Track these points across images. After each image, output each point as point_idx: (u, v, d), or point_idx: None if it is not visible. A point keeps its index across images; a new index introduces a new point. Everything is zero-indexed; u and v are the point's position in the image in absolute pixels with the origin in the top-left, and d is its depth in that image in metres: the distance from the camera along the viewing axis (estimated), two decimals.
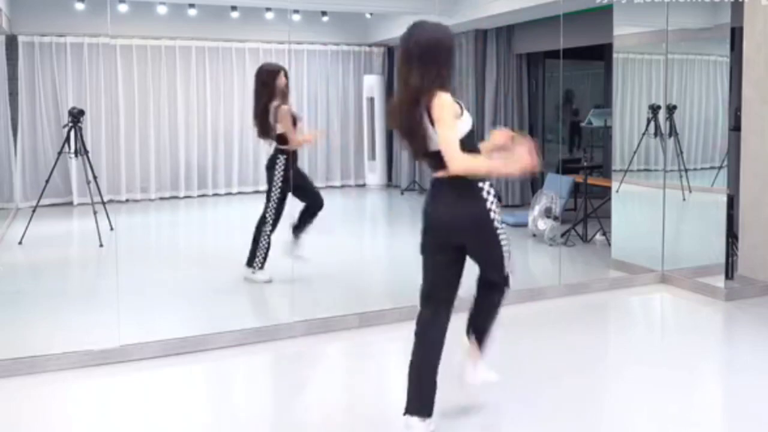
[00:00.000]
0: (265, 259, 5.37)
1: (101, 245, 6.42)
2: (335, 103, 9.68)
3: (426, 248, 3.08)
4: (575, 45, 5.74)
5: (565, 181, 7.36)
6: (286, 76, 5.52)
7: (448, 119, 2.84)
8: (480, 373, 3.30)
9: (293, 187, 5.38)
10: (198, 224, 8.87)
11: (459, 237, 3.01)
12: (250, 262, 5.43)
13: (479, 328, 3.28)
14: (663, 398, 3.49)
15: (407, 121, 2.92)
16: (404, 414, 3.05)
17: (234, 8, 8.81)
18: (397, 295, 5.41)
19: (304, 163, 9.12)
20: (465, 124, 2.92)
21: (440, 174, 2.95)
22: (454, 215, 2.97)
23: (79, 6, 7.91)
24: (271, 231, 5.40)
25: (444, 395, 3.56)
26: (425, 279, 3.11)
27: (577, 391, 3.56)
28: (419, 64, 2.87)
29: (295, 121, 5.49)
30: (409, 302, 4.83)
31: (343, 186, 9.67)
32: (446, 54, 2.94)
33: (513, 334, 4.51)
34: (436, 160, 2.92)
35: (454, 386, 3.66)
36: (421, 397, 3.06)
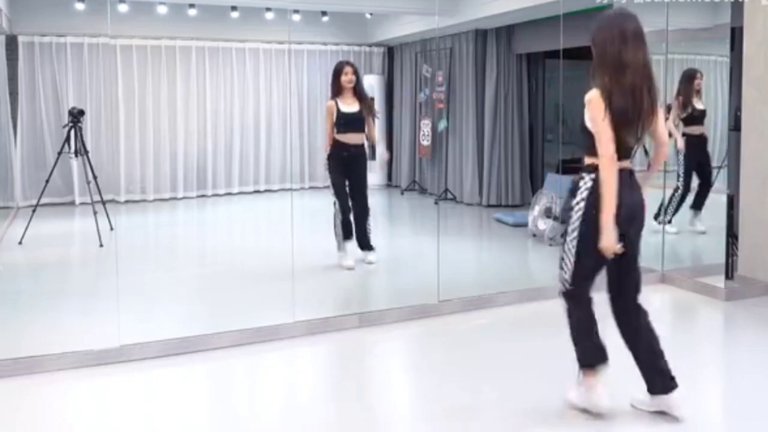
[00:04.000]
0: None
1: (101, 245, 6.42)
2: None
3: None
4: (575, 45, 5.72)
5: (565, 181, 7.34)
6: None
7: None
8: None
9: None
10: (198, 224, 8.88)
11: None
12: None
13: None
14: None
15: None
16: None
17: (234, 8, 8.81)
18: (397, 295, 5.41)
19: (304, 163, 9.18)
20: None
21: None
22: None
23: (79, 6, 7.92)
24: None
25: (444, 396, 3.56)
26: None
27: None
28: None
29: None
30: (409, 302, 4.85)
31: None
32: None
33: (513, 334, 4.51)
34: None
35: (453, 387, 3.66)
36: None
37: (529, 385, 3.66)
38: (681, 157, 6.04)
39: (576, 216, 3.10)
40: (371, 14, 9.42)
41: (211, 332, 4.23)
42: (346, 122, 5.78)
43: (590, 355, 3.26)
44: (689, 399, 3.59)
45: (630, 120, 3.02)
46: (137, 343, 4.03)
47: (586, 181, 3.08)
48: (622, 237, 3.06)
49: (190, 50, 9.37)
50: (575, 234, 3.11)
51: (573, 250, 3.14)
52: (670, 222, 5.94)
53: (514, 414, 3.35)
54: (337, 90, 5.84)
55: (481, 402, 3.46)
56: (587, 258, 3.12)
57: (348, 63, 5.90)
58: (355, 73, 5.83)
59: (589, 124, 3.07)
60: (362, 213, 5.94)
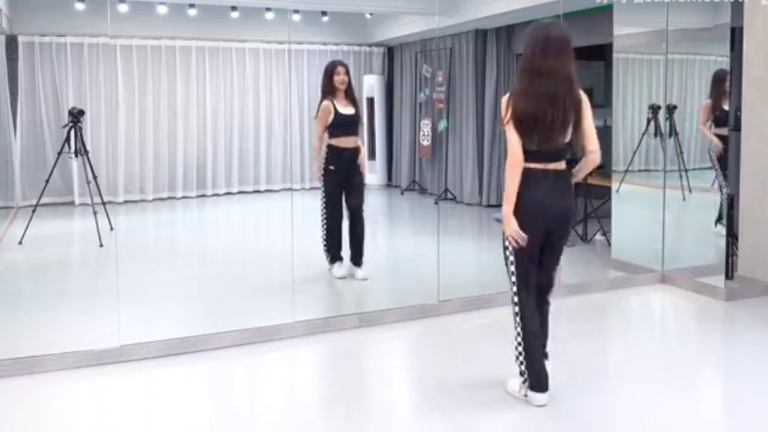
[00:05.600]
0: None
1: (101, 245, 6.42)
2: None
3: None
4: (575, 45, 5.72)
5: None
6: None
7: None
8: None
9: None
10: (198, 224, 8.88)
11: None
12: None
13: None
14: (663, 398, 3.49)
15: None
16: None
17: (234, 8, 8.81)
18: (397, 295, 5.41)
19: (304, 163, 9.18)
20: None
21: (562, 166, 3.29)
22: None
23: (79, 6, 7.91)
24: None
25: (444, 396, 3.56)
26: None
27: (576, 391, 3.56)
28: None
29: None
30: (409, 302, 4.85)
31: None
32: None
33: (513, 334, 4.50)
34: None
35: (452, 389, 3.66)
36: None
37: None
38: (715, 158, 5.98)
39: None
40: (371, 14, 9.42)
41: (211, 332, 4.23)
42: (343, 125, 5.47)
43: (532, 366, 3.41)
44: (689, 399, 3.59)
45: (543, 125, 3.18)
46: (137, 343, 4.03)
47: None
48: (545, 234, 3.32)
49: (190, 50, 9.37)
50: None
51: (507, 245, 3.35)
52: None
53: (515, 414, 3.35)
54: (328, 91, 5.50)
55: (481, 402, 3.46)
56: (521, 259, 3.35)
57: (340, 62, 5.59)
58: (347, 73, 5.53)
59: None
60: (357, 224, 5.60)
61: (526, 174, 3.24)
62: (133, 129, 8.99)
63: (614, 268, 5.91)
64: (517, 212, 3.23)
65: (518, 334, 3.40)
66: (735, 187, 5.53)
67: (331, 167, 5.50)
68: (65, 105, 8.24)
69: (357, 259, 5.62)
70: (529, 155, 3.23)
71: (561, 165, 3.31)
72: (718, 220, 5.90)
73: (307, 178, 9.05)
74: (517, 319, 3.39)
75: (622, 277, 5.74)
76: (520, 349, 3.39)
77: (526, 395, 3.39)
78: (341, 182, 5.55)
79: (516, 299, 3.38)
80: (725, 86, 5.84)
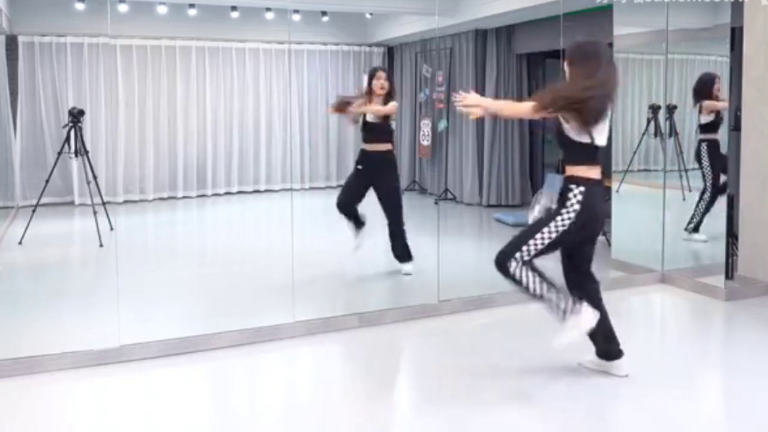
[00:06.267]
0: None
1: (101, 245, 6.42)
2: None
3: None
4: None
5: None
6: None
7: None
8: None
9: None
10: (198, 224, 8.88)
11: None
12: None
13: None
14: (662, 398, 3.49)
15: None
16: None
17: (234, 8, 8.81)
18: (397, 295, 5.41)
19: (304, 163, 9.18)
20: None
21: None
22: None
23: (79, 6, 7.91)
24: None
25: (444, 396, 3.56)
26: None
27: (576, 391, 3.56)
28: None
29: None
30: (409, 302, 4.85)
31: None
32: None
33: (513, 334, 4.51)
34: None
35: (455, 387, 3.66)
36: None
37: (530, 385, 3.66)
38: (706, 156, 6.02)
39: (567, 217, 3.48)
40: (371, 14, 9.42)
41: (211, 332, 4.23)
42: (369, 129, 5.61)
43: (564, 294, 3.52)
44: (689, 399, 3.59)
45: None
46: (137, 343, 4.03)
47: (575, 194, 3.46)
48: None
49: (190, 50, 9.36)
50: (560, 228, 3.47)
51: (552, 236, 3.48)
52: None
53: (515, 414, 3.35)
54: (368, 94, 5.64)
55: (481, 402, 3.46)
56: (554, 248, 3.54)
57: (381, 69, 5.73)
58: (388, 79, 5.64)
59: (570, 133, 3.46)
60: (398, 239, 5.70)
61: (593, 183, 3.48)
62: (133, 129, 8.99)
63: (614, 268, 5.91)
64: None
65: (534, 282, 3.45)
66: (735, 187, 5.53)
67: (359, 166, 5.70)
68: (65, 105, 8.23)
69: (401, 258, 5.71)
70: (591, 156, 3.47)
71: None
72: (694, 228, 5.92)
73: (306, 178, 9.06)
74: (525, 270, 3.45)
75: (622, 277, 5.74)
76: (546, 289, 3.45)
77: (578, 311, 3.45)
78: (365, 183, 5.67)
79: (526, 258, 3.45)
80: (714, 89, 5.86)
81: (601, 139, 3.46)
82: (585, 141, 3.42)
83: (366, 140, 5.66)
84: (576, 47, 3.56)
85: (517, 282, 3.46)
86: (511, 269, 3.43)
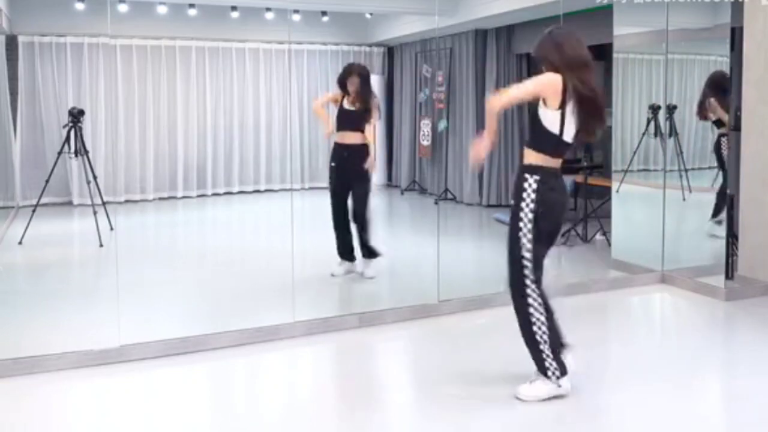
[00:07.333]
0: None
1: (101, 245, 6.42)
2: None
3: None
4: None
5: (566, 181, 7.35)
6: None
7: None
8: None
9: None
10: (198, 224, 8.87)
11: None
12: None
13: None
14: (663, 398, 3.49)
15: None
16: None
17: (234, 8, 8.80)
18: (397, 295, 5.41)
19: (305, 163, 9.17)
20: None
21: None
22: None
23: (79, 6, 7.91)
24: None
25: (444, 396, 3.56)
26: None
27: (576, 391, 3.56)
28: None
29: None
30: (409, 302, 4.85)
31: None
32: None
33: (513, 334, 4.50)
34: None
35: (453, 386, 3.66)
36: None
37: None
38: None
39: (529, 210, 3.35)
40: (371, 14, 9.42)
41: (211, 332, 4.23)
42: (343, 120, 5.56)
43: (559, 336, 3.47)
44: (689, 399, 3.59)
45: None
46: (137, 343, 4.03)
47: (530, 183, 3.37)
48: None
49: (190, 50, 9.36)
50: (528, 222, 3.35)
51: (529, 234, 3.35)
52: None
53: (515, 414, 3.35)
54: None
55: (481, 402, 3.46)
56: (539, 241, 3.38)
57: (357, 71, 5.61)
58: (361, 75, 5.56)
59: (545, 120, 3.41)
60: (361, 232, 5.60)
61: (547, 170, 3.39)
62: (133, 129, 8.98)
63: (614, 268, 5.91)
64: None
65: (537, 327, 3.38)
66: (735, 187, 5.53)
67: (332, 163, 5.65)
68: (65, 105, 8.22)
69: (366, 255, 5.65)
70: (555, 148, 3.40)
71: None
72: (715, 215, 5.90)
73: (307, 178, 9.05)
74: (531, 310, 3.37)
75: (622, 277, 5.74)
76: (544, 338, 3.37)
77: (560, 385, 3.39)
78: (342, 180, 5.58)
79: (528, 290, 3.36)
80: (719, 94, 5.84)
81: (569, 136, 3.39)
82: (554, 132, 3.35)
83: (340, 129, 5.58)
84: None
85: (527, 315, 3.40)
86: (528, 290, 3.36)
